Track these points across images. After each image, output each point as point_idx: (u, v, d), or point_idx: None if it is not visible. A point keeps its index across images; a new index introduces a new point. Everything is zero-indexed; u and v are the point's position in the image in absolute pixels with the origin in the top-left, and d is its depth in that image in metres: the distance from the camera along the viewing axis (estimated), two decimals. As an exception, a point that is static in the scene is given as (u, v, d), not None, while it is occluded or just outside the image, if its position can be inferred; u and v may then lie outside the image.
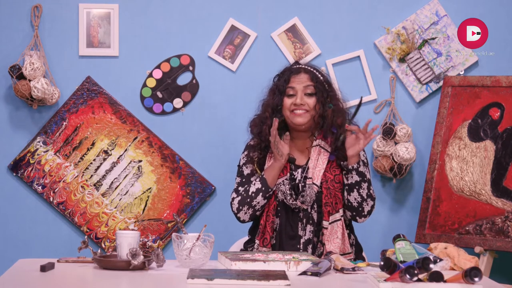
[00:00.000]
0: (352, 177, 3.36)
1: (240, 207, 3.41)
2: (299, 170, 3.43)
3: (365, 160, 3.44)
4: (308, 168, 3.41)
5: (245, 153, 3.51)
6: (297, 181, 3.39)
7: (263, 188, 3.37)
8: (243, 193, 3.40)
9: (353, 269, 2.92)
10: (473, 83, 4.27)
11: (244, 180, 3.46)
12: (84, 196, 4.37)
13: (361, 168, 3.37)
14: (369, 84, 4.41)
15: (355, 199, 3.37)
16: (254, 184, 3.39)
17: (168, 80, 4.40)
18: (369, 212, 3.40)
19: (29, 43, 4.32)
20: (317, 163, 3.41)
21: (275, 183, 3.38)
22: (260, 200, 3.38)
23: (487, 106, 4.21)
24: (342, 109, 3.47)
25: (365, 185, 3.36)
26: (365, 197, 3.36)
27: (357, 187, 3.36)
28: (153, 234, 4.38)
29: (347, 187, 3.38)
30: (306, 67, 3.48)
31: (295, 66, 3.50)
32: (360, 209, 3.37)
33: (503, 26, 4.40)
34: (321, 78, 3.46)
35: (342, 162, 3.41)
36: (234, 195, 3.44)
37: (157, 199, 4.39)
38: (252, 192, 3.38)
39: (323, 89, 3.43)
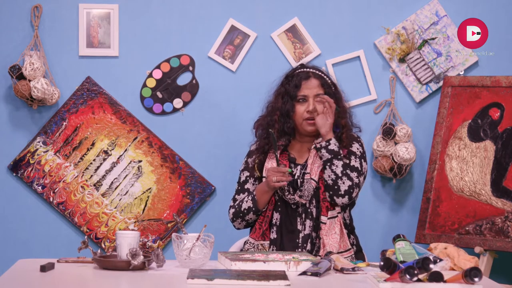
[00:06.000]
0: (323, 155, 3.40)
1: (234, 219, 3.51)
2: (298, 167, 3.47)
3: (356, 152, 3.46)
4: (307, 165, 3.44)
5: (245, 159, 3.58)
6: (295, 177, 3.42)
7: (254, 208, 3.45)
8: (236, 206, 3.49)
9: (353, 269, 2.92)
10: (473, 83, 4.27)
11: (240, 188, 3.55)
12: (84, 196, 4.37)
13: (332, 146, 3.39)
14: (369, 84, 4.41)
15: (329, 176, 3.38)
16: (247, 201, 3.46)
17: (168, 80, 4.40)
18: (347, 193, 3.37)
19: (29, 43, 4.32)
20: (316, 159, 3.45)
21: (265, 206, 3.45)
22: (252, 216, 3.47)
23: (487, 106, 4.21)
24: (346, 109, 3.55)
25: (338, 163, 3.38)
26: (340, 175, 3.37)
27: (328, 163, 3.39)
28: (153, 234, 4.38)
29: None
30: (315, 71, 3.53)
31: (303, 70, 3.54)
32: (335, 187, 3.37)
33: (503, 26, 4.40)
34: (329, 81, 3.53)
35: (315, 144, 3.46)
36: (231, 203, 3.54)
37: (157, 199, 4.39)
38: (244, 209, 3.47)
39: (331, 93, 3.50)
